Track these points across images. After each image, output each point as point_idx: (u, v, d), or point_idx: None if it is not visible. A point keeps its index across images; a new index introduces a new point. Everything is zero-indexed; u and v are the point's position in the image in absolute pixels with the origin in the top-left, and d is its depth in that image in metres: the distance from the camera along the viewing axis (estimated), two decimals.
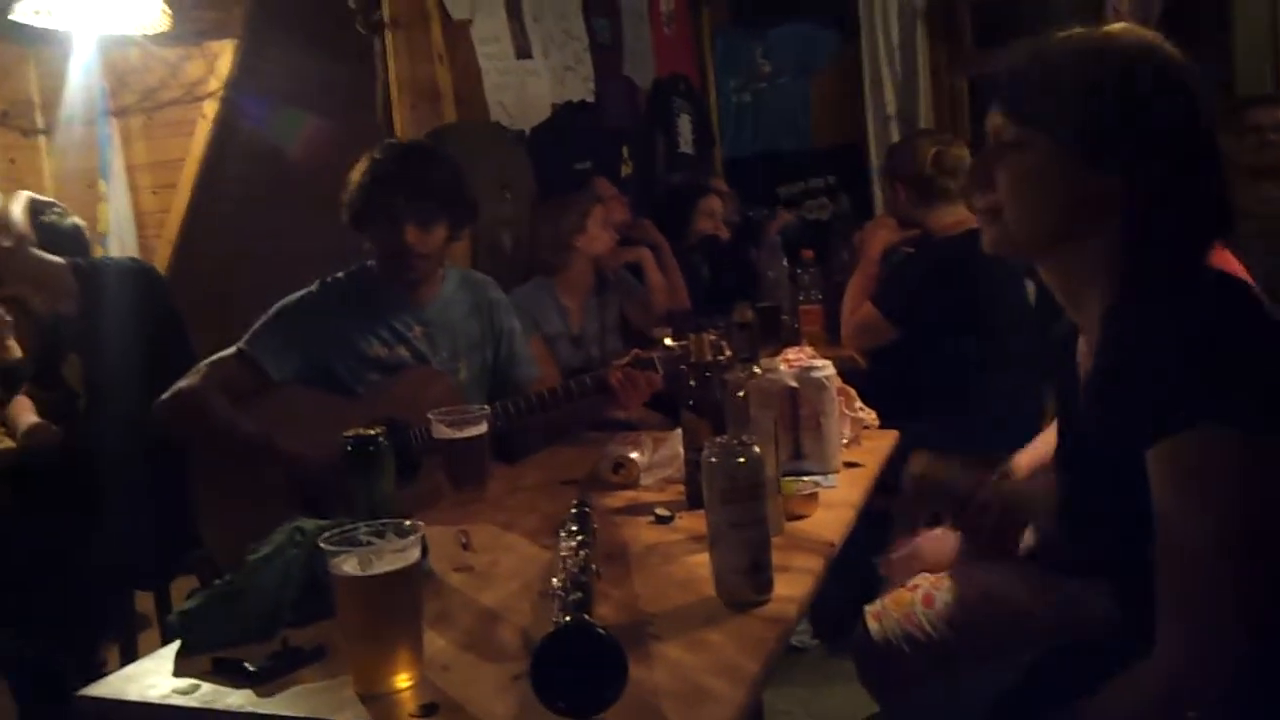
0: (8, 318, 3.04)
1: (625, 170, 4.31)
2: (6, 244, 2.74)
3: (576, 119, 4.01)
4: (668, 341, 2.24)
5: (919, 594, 1.81)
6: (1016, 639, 1.66)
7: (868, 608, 1.87)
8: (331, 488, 2.02)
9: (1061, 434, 1.49)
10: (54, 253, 2.89)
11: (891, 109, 4.90)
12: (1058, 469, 1.49)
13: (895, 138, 4.71)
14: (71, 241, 2.99)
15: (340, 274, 2.41)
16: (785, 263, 3.91)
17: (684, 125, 4.87)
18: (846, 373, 2.24)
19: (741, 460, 1.38)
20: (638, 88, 4.73)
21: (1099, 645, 1.45)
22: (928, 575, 1.83)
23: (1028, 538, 1.63)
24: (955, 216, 3.07)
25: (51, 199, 3.11)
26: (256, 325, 2.32)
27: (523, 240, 3.57)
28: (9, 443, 2.96)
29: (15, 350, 3.16)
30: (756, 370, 1.84)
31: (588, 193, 3.50)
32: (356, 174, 2.36)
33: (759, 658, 1.23)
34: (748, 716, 1.18)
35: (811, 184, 5.13)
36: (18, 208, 2.81)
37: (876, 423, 2.24)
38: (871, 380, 2.68)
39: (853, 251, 3.57)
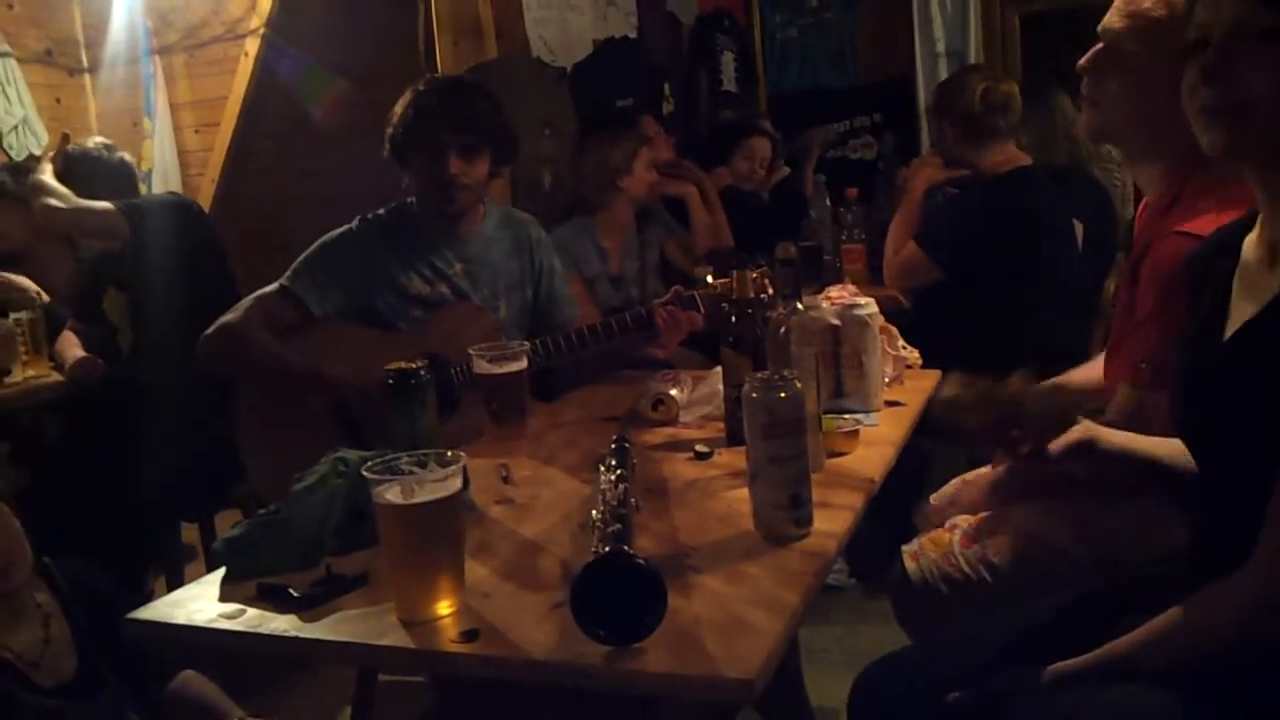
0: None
1: (667, 108, 4.27)
2: (56, 204, 2.79)
3: (618, 55, 3.97)
4: (710, 279, 2.22)
5: (957, 534, 1.81)
6: (1054, 578, 1.65)
7: (905, 548, 1.86)
8: (373, 421, 2.04)
9: (1191, 345, 1.40)
10: (103, 189, 2.93)
11: (941, 45, 4.80)
12: (1177, 380, 1.40)
13: (944, 75, 4.62)
14: (120, 177, 3.02)
15: (381, 210, 2.41)
16: (828, 201, 3.86)
17: (727, 62, 4.80)
18: (889, 312, 2.21)
19: (782, 395, 1.37)
20: (680, 23, 4.66)
21: (1139, 579, 1.44)
22: (966, 516, 1.82)
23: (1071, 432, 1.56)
24: (1004, 155, 3.00)
25: (99, 136, 3.14)
26: (298, 261, 2.33)
27: (562, 178, 3.54)
28: (58, 376, 3.02)
29: (42, 296, 3.21)
30: (799, 307, 1.82)
31: (634, 131, 3.46)
32: (399, 107, 2.35)
33: (798, 590, 1.23)
34: (785, 650, 1.18)
35: (857, 122, 5.05)
36: (47, 172, 2.85)
37: (919, 362, 2.22)
38: (915, 319, 2.65)
39: (897, 190, 3.51)
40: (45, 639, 1.79)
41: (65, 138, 3.11)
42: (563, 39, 3.68)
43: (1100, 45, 1.67)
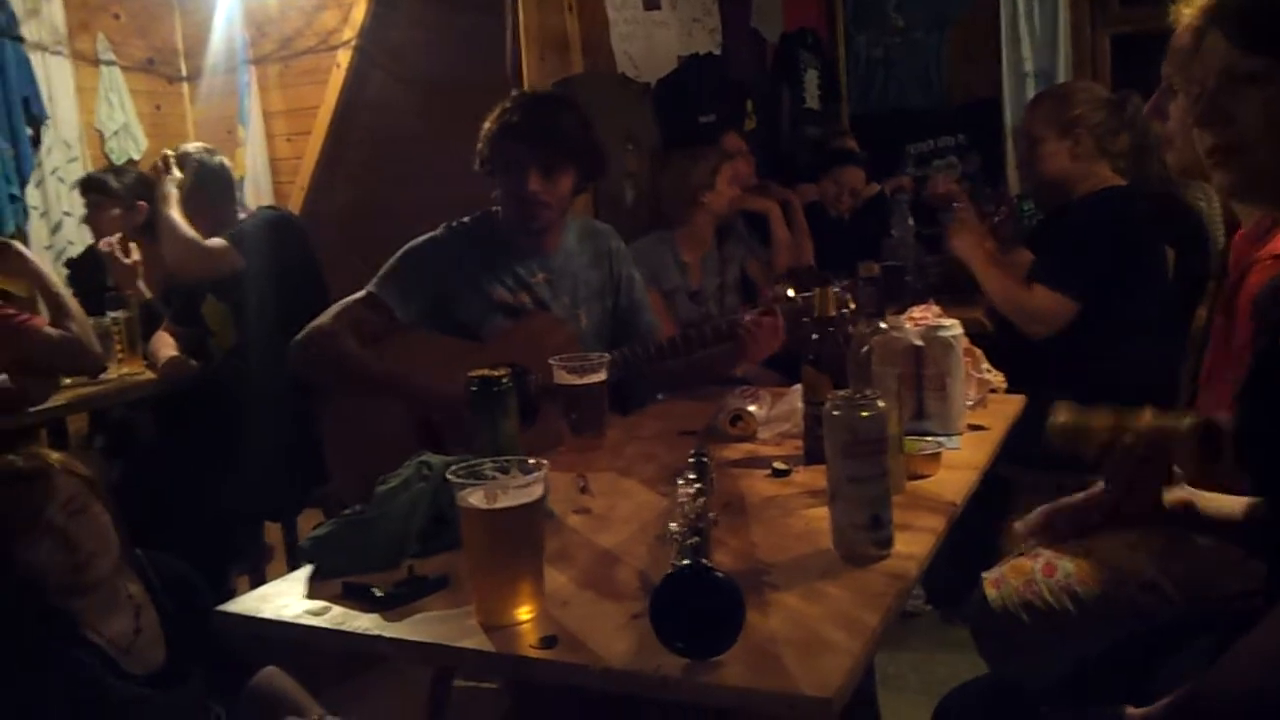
0: (135, 258, 3.20)
1: (749, 125, 4.26)
2: (184, 248, 2.91)
3: (702, 71, 3.98)
4: (790, 293, 2.20)
5: (1040, 563, 1.78)
6: (1138, 610, 1.61)
7: (986, 575, 1.84)
8: (452, 428, 2.06)
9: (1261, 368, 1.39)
10: (209, 189, 3.03)
11: (1029, 66, 4.73)
12: (1242, 400, 1.39)
13: (1030, 96, 4.55)
14: (221, 179, 3.13)
15: (466, 219, 2.45)
16: (910, 221, 3.82)
17: (810, 80, 4.79)
18: (973, 334, 2.18)
19: (865, 414, 1.36)
20: (765, 40, 4.66)
21: (1224, 613, 1.40)
22: (1049, 545, 1.78)
23: (1174, 491, 1.54)
24: (1101, 176, 2.93)
25: (202, 142, 3.25)
26: (384, 267, 2.37)
27: (644, 193, 3.56)
28: (151, 375, 3.11)
29: (145, 291, 3.33)
30: (882, 326, 1.81)
31: (717, 148, 3.47)
32: (488, 122, 2.38)
33: (878, 611, 1.22)
34: (863, 672, 1.17)
35: (941, 142, 4.99)
36: (174, 205, 2.96)
37: (1004, 386, 2.19)
38: (999, 342, 2.61)
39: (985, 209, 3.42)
40: (136, 628, 1.85)
41: (165, 161, 3.23)
42: (648, 54, 3.71)
43: None
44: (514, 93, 2.52)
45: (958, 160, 4.96)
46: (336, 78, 4.61)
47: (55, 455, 1.89)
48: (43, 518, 1.75)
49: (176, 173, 3.12)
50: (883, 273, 2.82)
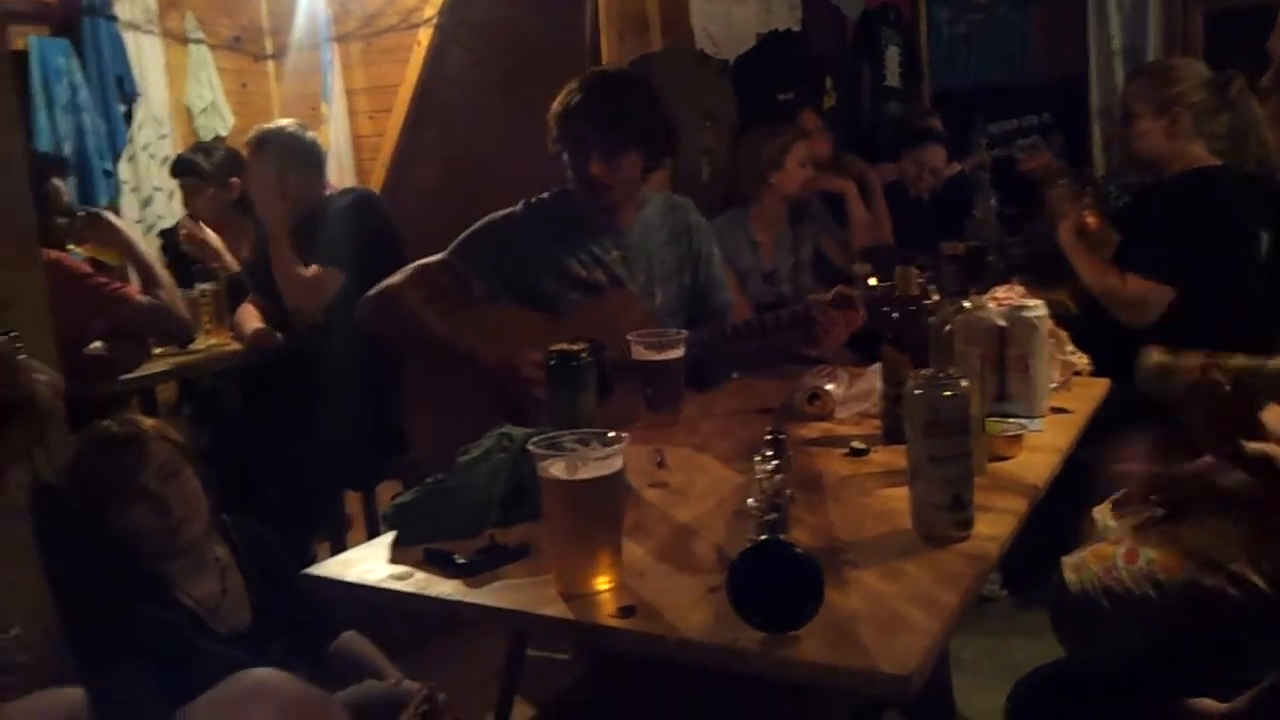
0: (208, 237, 3.29)
1: (828, 102, 4.22)
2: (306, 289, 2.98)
3: (781, 48, 3.94)
4: (871, 281, 2.17)
5: (1122, 549, 1.74)
6: (1221, 601, 1.57)
7: (1066, 559, 1.80)
8: (523, 402, 2.08)
9: None
10: (302, 166, 3.09)
11: (1117, 43, 4.60)
12: None
13: (1120, 73, 4.43)
14: (313, 156, 3.19)
15: (544, 195, 2.46)
16: (993, 201, 3.76)
17: (891, 56, 4.72)
18: (1057, 316, 2.14)
19: (947, 393, 1.35)
20: (845, 17, 4.60)
21: None
22: (1132, 530, 1.75)
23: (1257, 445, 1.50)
24: (1195, 155, 2.84)
25: (292, 119, 3.32)
26: (461, 238, 2.39)
27: (721, 171, 3.55)
28: (237, 346, 3.19)
29: (233, 264, 3.41)
30: (965, 306, 1.78)
31: (791, 126, 3.43)
32: (556, 103, 2.39)
33: (957, 592, 1.21)
34: (940, 651, 1.17)
35: (1024, 121, 4.89)
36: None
37: (1089, 369, 2.15)
38: (1084, 325, 2.55)
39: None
40: (222, 590, 1.91)
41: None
42: (727, 31, 3.69)
43: None
44: (584, 73, 2.52)
45: (1041, 140, 4.84)
46: (417, 55, 4.66)
47: (149, 421, 1.96)
48: (138, 482, 1.82)
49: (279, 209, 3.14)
50: (966, 252, 2.77)
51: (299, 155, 3.11)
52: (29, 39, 4.07)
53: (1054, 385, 2.01)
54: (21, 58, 3.96)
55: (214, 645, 1.80)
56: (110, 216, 3.08)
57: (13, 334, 1.14)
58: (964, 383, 1.36)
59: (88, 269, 2.81)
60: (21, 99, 3.74)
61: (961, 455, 1.36)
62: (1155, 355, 1.52)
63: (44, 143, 4.03)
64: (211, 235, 3.43)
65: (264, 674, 1.63)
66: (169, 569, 1.86)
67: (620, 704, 1.84)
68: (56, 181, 3.02)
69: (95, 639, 1.74)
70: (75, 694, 1.57)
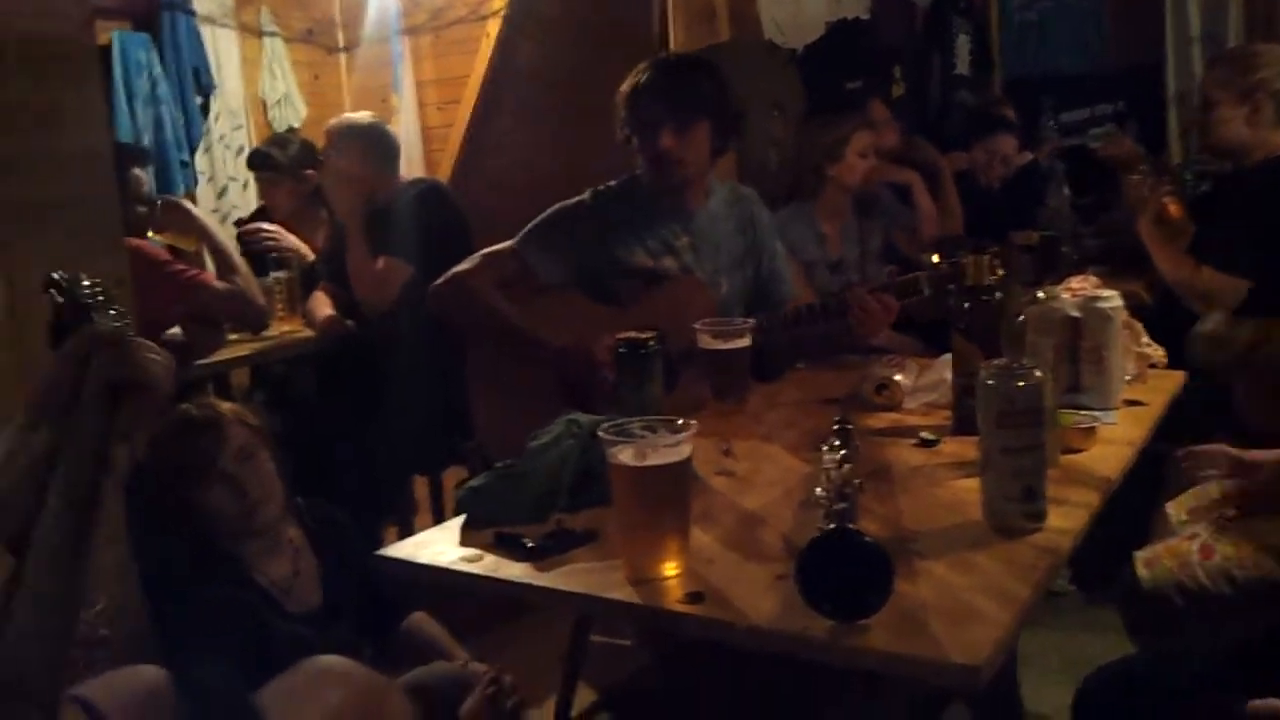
0: (274, 229, 3.36)
1: (897, 91, 4.18)
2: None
3: (849, 37, 3.91)
4: (934, 259, 2.14)
5: (1196, 544, 1.72)
6: None
7: (1139, 554, 1.78)
8: (588, 389, 2.10)
9: None
10: (378, 157, 3.15)
11: (1196, 29, 4.48)
12: None
13: (1198, 61, 4.31)
14: (389, 148, 3.24)
15: (612, 183, 2.47)
16: (1066, 190, 3.69)
17: (961, 44, 4.66)
18: (1131, 307, 2.10)
19: (1021, 383, 1.34)
20: (915, 5, 4.55)
21: None
22: (1207, 526, 1.72)
23: None
24: (1275, 142, 2.77)
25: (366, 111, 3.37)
26: (530, 226, 2.41)
27: (789, 160, 3.53)
28: (309, 333, 3.25)
29: (307, 254, 3.48)
30: (1039, 296, 1.76)
31: (854, 116, 3.40)
32: (625, 85, 2.40)
33: (1028, 584, 1.20)
34: (1011, 643, 1.16)
35: (1098, 110, 4.79)
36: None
37: (1164, 361, 2.11)
38: (1160, 316, 2.50)
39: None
40: (295, 570, 1.95)
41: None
42: (795, 20, 3.67)
43: None
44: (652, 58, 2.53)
45: (1117, 128, 4.74)
46: (486, 47, 4.68)
47: (226, 405, 2.00)
48: (216, 465, 1.86)
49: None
50: (1039, 242, 2.72)
51: (376, 147, 3.16)
52: (112, 34, 4.18)
53: (1128, 377, 1.98)
54: (105, 52, 4.07)
55: (287, 625, 1.84)
56: (188, 204, 3.15)
57: (123, 312, 1.19)
58: (1038, 373, 1.35)
59: (167, 256, 2.88)
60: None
61: (1034, 447, 1.35)
62: (1209, 324, 1.49)
63: (125, 134, 4.14)
64: (275, 229, 3.48)
65: (331, 660, 1.67)
66: (245, 550, 1.90)
67: (688, 691, 1.85)
68: (137, 171, 3.08)
69: (176, 618, 1.79)
70: (155, 672, 1.62)
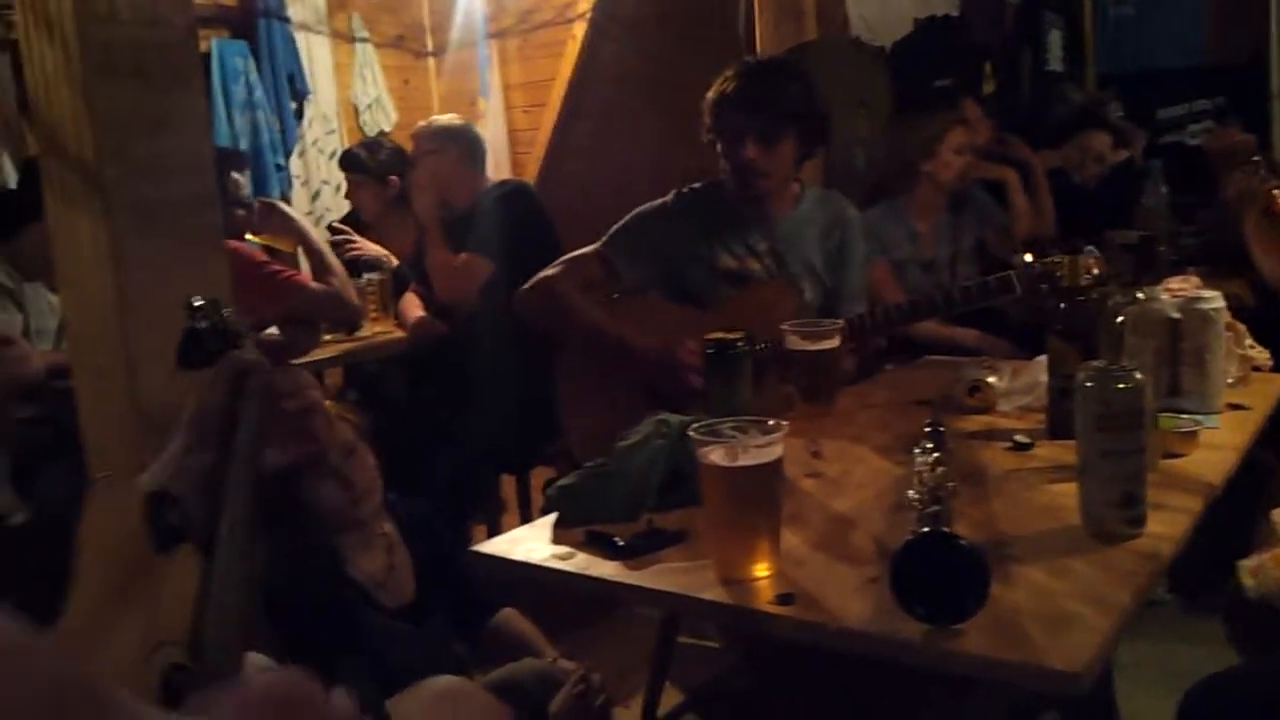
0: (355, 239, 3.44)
1: (987, 88, 4.10)
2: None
3: (938, 33, 3.86)
4: (1028, 257, 2.10)
5: None
6: None
7: (1243, 563, 1.74)
8: (673, 390, 2.10)
9: None
10: (471, 160, 3.21)
11: None
12: None
13: None
14: (479, 150, 3.30)
15: (696, 185, 2.47)
16: (1163, 189, 3.59)
17: (1054, 40, 4.56)
18: (1233, 308, 2.04)
19: (1121, 386, 1.31)
20: (1005, 1, 4.46)
21: None
22: None
23: None
24: None
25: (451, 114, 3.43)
26: (614, 229, 2.43)
27: (876, 159, 3.49)
28: (400, 333, 3.32)
29: (392, 259, 3.54)
30: (1139, 297, 1.72)
31: (947, 114, 3.35)
32: (711, 91, 2.40)
33: (1129, 591, 1.18)
34: (1112, 650, 1.14)
35: (1197, 106, 4.65)
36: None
37: (1269, 364, 2.04)
38: (1265, 318, 2.42)
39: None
40: (389, 565, 1.99)
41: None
42: (883, 17, 3.64)
43: None
44: (739, 61, 2.52)
45: (1216, 124, 4.60)
46: (572, 50, 4.73)
47: (329, 403, 2.05)
48: (325, 459, 1.91)
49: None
50: (1137, 242, 2.65)
51: (464, 149, 3.22)
52: (211, 41, 4.31)
53: (1231, 381, 1.92)
54: (204, 59, 4.20)
55: (382, 619, 1.88)
56: (284, 206, 3.24)
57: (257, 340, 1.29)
58: (1138, 375, 1.32)
59: (264, 257, 2.96)
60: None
61: (1134, 451, 1.32)
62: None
63: (223, 139, 4.26)
64: (371, 246, 3.55)
65: (453, 681, 1.69)
66: (341, 544, 1.94)
67: (776, 693, 1.85)
68: (235, 175, 3.18)
69: (283, 612, 1.84)
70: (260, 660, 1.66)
